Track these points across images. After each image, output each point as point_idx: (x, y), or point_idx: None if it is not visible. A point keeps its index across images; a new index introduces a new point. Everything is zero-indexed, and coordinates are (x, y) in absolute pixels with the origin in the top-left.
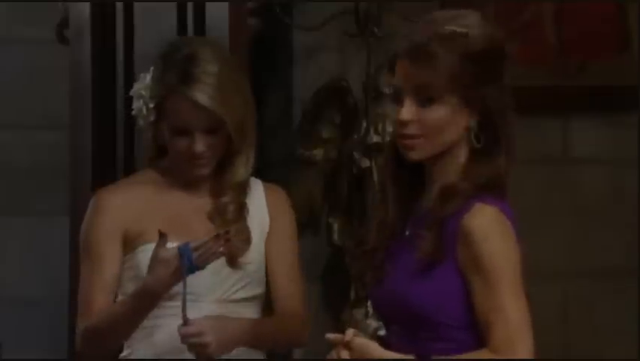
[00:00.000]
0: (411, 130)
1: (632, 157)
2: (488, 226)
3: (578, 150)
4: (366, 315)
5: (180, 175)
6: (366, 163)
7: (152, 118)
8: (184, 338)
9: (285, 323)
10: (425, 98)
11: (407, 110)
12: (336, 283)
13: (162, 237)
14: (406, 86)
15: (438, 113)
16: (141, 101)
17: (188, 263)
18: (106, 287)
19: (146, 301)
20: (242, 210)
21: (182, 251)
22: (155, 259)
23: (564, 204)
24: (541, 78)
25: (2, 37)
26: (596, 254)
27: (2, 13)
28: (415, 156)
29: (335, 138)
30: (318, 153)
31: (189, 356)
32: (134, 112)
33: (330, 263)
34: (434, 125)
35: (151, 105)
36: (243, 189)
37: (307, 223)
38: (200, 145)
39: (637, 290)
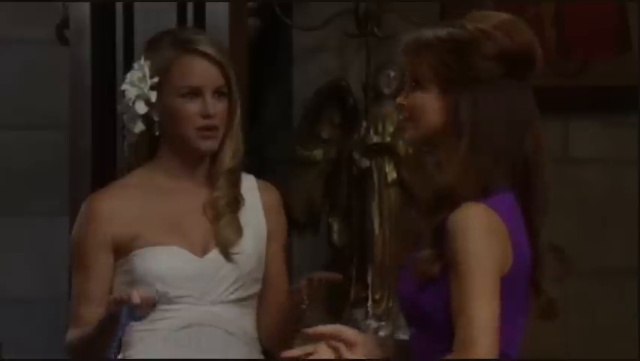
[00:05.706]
0: None
1: (632, 157)
2: (466, 223)
3: (578, 150)
4: (366, 315)
5: (182, 159)
6: (366, 163)
7: (153, 99)
8: None
9: None
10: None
11: None
12: (336, 283)
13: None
14: None
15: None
16: (135, 89)
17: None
18: (92, 300)
19: (111, 325)
20: (233, 203)
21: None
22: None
23: (564, 204)
24: (541, 78)
25: (2, 37)
26: (596, 254)
27: (2, 14)
28: None
29: (335, 138)
30: (318, 153)
31: (185, 357)
32: (120, 108)
33: (330, 263)
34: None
35: (153, 81)
36: (234, 182)
37: (307, 223)
38: (211, 107)
39: (637, 290)
